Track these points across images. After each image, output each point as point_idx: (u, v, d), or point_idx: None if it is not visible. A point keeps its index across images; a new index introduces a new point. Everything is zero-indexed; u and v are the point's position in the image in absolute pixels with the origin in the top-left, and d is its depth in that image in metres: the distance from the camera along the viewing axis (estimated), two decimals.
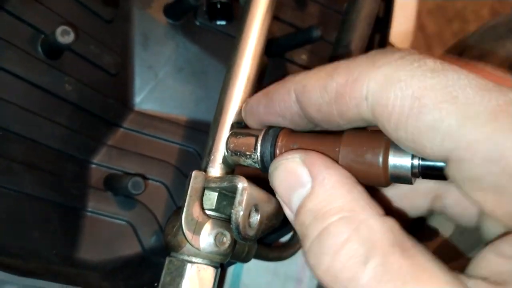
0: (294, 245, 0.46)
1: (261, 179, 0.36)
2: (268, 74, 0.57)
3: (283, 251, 0.45)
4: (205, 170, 0.38)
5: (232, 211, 0.31)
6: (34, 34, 0.43)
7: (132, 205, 0.47)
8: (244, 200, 0.31)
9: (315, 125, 0.32)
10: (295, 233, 0.46)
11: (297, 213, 0.28)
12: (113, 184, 0.46)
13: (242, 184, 0.31)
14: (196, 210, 0.34)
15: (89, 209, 0.45)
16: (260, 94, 0.35)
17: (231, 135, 0.38)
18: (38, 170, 0.43)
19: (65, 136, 0.45)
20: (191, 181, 0.34)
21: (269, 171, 0.30)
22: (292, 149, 0.31)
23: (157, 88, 0.52)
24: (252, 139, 0.36)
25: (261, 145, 0.34)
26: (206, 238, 0.34)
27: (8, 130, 0.41)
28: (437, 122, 0.24)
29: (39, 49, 0.44)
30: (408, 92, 0.25)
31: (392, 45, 0.63)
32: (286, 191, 0.29)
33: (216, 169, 0.37)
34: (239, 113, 0.39)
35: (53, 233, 0.42)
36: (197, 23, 0.54)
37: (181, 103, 0.53)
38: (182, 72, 0.53)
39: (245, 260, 0.39)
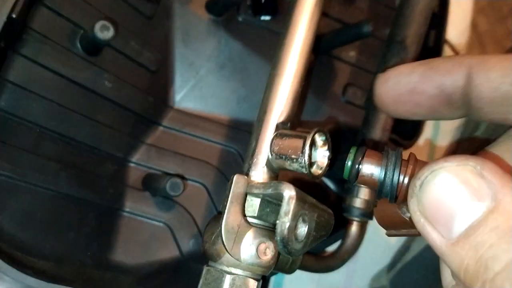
0: (342, 256, 0.42)
1: (306, 184, 0.33)
2: (314, 71, 0.54)
3: (330, 262, 0.42)
4: (247, 174, 0.35)
5: (278, 222, 0.28)
6: (73, 30, 0.42)
7: (170, 206, 0.45)
8: (291, 211, 0.28)
9: (466, 113, 0.30)
10: (343, 242, 0.43)
11: (463, 237, 0.22)
12: (151, 184, 0.44)
13: (289, 192, 0.28)
14: (237, 218, 0.31)
15: (127, 209, 0.44)
16: (413, 63, 0.33)
17: (276, 137, 0.35)
18: (74, 168, 0.41)
19: (104, 134, 0.44)
20: (232, 185, 0.32)
21: (416, 184, 0.25)
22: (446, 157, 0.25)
23: (198, 86, 0.50)
24: (300, 142, 0.33)
25: (388, 160, 0.29)
26: (248, 248, 0.31)
27: (45, 127, 0.40)
28: None
29: (78, 45, 0.42)
30: None
31: (448, 43, 0.59)
32: (443, 210, 0.23)
33: (259, 173, 0.35)
34: (285, 113, 0.36)
35: (89, 234, 0.41)
36: (240, 19, 0.51)
37: (223, 101, 0.51)
38: (224, 70, 0.51)
39: (289, 271, 0.37)
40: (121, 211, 0.43)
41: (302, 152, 0.32)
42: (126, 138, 0.45)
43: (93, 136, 0.43)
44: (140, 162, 0.46)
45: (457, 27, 0.60)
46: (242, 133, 0.51)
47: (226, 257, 0.32)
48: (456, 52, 0.60)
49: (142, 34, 0.47)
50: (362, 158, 0.30)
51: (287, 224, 0.28)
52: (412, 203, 0.24)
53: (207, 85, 0.50)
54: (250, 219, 0.32)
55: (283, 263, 0.35)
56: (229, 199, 0.31)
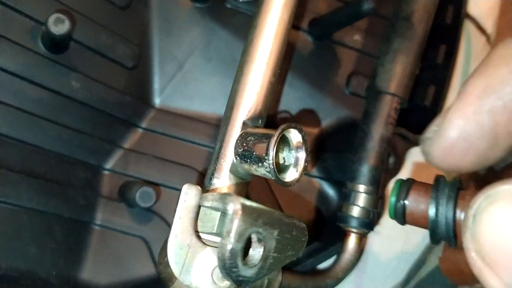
0: (335, 274, 0.36)
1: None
2: (314, 59, 0.48)
3: (321, 282, 0.36)
4: (210, 181, 0.30)
5: (219, 243, 0.23)
6: (34, 27, 0.38)
7: (148, 218, 0.41)
8: (234, 230, 0.22)
9: None
10: (338, 258, 0.37)
11: None
12: (125, 194, 0.40)
13: (233, 206, 0.23)
14: (187, 236, 0.26)
15: (98, 222, 0.40)
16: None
17: (241, 137, 0.30)
18: (39, 179, 0.38)
19: (74, 140, 0.40)
20: (180, 197, 0.27)
21: (469, 214, 0.19)
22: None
23: (183, 82, 0.45)
24: (265, 143, 0.28)
25: (439, 191, 0.23)
26: (200, 273, 0.26)
27: (4, 135, 0.37)
28: None
29: (40, 43, 0.38)
30: None
31: (472, 18, 0.51)
32: (505, 248, 0.17)
33: (223, 180, 0.30)
34: (254, 108, 0.31)
35: (55, 250, 0.37)
36: (228, 5, 0.46)
37: (210, 98, 0.46)
38: (211, 62, 0.46)
39: None
40: (92, 224, 0.39)
41: (267, 154, 0.27)
42: (100, 143, 0.41)
43: (60, 142, 0.39)
44: (117, 169, 0.42)
45: (483, 2, 0.52)
46: None
47: (178, 283, 0.27)
48: (483, 32, 0.52)
49: (116, 26, 0.42)
50: (408, 191, 0.24)
51: (228, 247, 0.22)
52: (466, 240, 0.19)
53: (192, 81, 0.46)
54: (207, 236, 0.27)
55: (257, 286, 0.30)
56: (176, 213, 0.26)
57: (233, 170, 0.30)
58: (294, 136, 0.29)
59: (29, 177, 0.37)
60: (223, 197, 0.24)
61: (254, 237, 0.24)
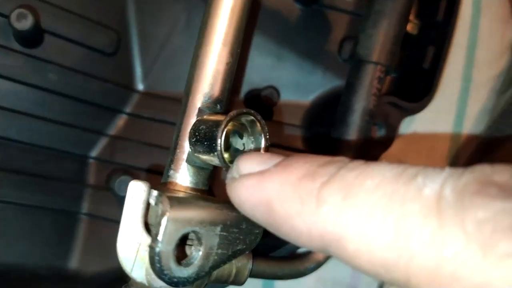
0: (316, 257, 0.35)
1: None
2: (303, 27, 0.45)
3: (299, 266, 0.34)
4: (167, 173, 0.29)
5: (149, 246, 0.22)
6: (5, 22, 0.38)
7: None
8: (162, 232, 0.21)
9: None
10: None
11: None
12: (109, 183, 0.40)
13: (162, 206, 0.22)
14: (137, 233, 0.26)
15: (86, 211, 0.40)
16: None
17: (194, 125, 0.29)
18: (22, 174, 0.38)
19: (56, 132, 0.40)
20: (127, 194, 0.26)
21: None
22: None
23: (166, 63, 0.44)
24: (214, 131, 0.26)
25: None
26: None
27: None
28: None
29: (13, 38, 0.38)
30: None
31: None
32: None
33: (179, 172, 0.29)
34: (210, 92, 0.30)
35: (43, 243, 0.38)
36: None
37: None
38: (193, 40, 0.44)
39: (238, 283, 0.30)
40: (80, 214, 0.40)
41: (215, 144, 0.25)
42: (84, 133, 0.41)
43: (42, 136, 0.39)
44: (103, 157, 0.42)
45: None
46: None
47: (133, 280, 0.26)
48: None
49: (91, 12, 0.41)
50: None
51: (157, 250, 0.21)
52: None
53: (176, 61, 0.44)
54: None
55: (224, 275, 0.29)
56: (124, 211, 0.26)
57: (189, 160, 0.28)
58: (249, 120, 0.27)
59: (12, 173, 0.38)
60: (157, 196, 0.23)
61: (192, 236, 0.23)
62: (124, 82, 0.43)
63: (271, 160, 0.20)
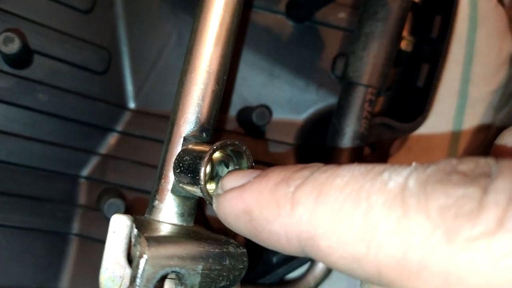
0: (307, 283, 0.34)
1: None
2: (295, 44, 0.44)
3: None
4: (152, 203, 0.29)
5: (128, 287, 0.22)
6: None
7: None
8: (139, 275, 0.21)
9: None
10: (312, 265, 0.35)
11: None
12: (99, 203, 0.40)
13: (140, 247, 0.22)
14: (119, 267, 0.25)
15: (77, 232, 0.40)
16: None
17: (179, 156, 0.28)
18: (12, 196, 0.38)
19: (47, 153, 0.40)
20: (109, 228, 0.26)
21: None
22: None
23: (157, 81, 0.44)
24: (198, 164, 0.26)
25: None
26: None
27: None
28: None
29: (3, 61, 0.38)
30: None
31: None
32: None
33: (164, 202, 0.28)
34: (195, 121, 0.29)
35: (35, 265, 0.38)
36: None
37: None
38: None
39: None
40: (71, 234, 0.40)
41: (199, 176, 0.25)
42: (75, 152, 0.41)
43: (33, 157, 0.39)
44: (94, 176, 0.41)
45: None
46: (218, 133, 0.44)
47: None
48: None
49: (81, 32, 0.41)
50: None
51: None
52: None
53: (167, 79, 0.44)
54: None
55: None
56: (106, 245, 0.25)
57: (174, 191, 0.28)
58: (234, 150, 0.27)
59: (2, 195, 0.38)
60: (137, 235, 0.23)
61: (172, 275, 0.23)
62: (116, 101, 0.43)
63: (251, 174, 0.21)
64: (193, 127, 0.29)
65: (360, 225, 0.16)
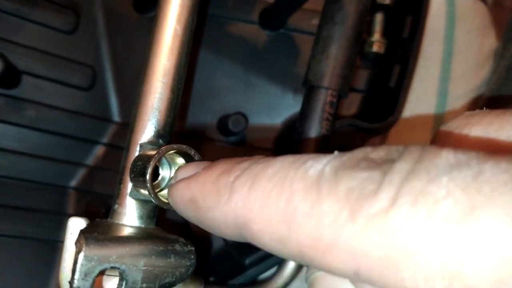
0: (275, 284, 0.35)
1: None
2: (270, 52, 0.46)
3: None
4: (113, 208, 0.30)
5: (68, 282, 0.23)
6: None
7: None
8: (78, 269, 0.23)
9: None
10: (281, 265, 0.35)
11: None
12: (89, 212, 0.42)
13: (78, 245, 0.23)
14: None
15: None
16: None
17: (134, 161, 0.30)
18: (2, 207, 0.40)
19: (35, 165, 0.42)
20: (66, 230, 0.27)
21: None
22: None
23: None
24: (147, 164, 0.27)
25: None
26: None
27: None
28: None
29: None
30: None
31: None
32: None
33: (123, 206, 0.30)
34: (152, 129, 0.31)
35: (24, 273, 0.40)
36: None
37: None
38: None
39: None
40: (60, 242, 0.42)
41: (144, 181, 0.27)
42: (63, 165, 0.43)
43: (23, 170, 0.42)
44: (82, 187, 0.44)
45: None
46: (201, 141, 0.45)
47: None
48: None
49: (66, 51, 0.44)
50: None
51: (74, 286, 0.23)
52: None
53: None
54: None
55: None
56: (64, 247, 0.27)
57: (132, 195, 0.30)
58: (183, 153, 0.28)
59: None
60: (78, 234, 0.25)
61: (112, 272, 0.24)
62: (101, 115, 0.45)
63: (201, 165, 0.23)
64: (150, 134, 0.31)
65: (283, 209, 0.18)
